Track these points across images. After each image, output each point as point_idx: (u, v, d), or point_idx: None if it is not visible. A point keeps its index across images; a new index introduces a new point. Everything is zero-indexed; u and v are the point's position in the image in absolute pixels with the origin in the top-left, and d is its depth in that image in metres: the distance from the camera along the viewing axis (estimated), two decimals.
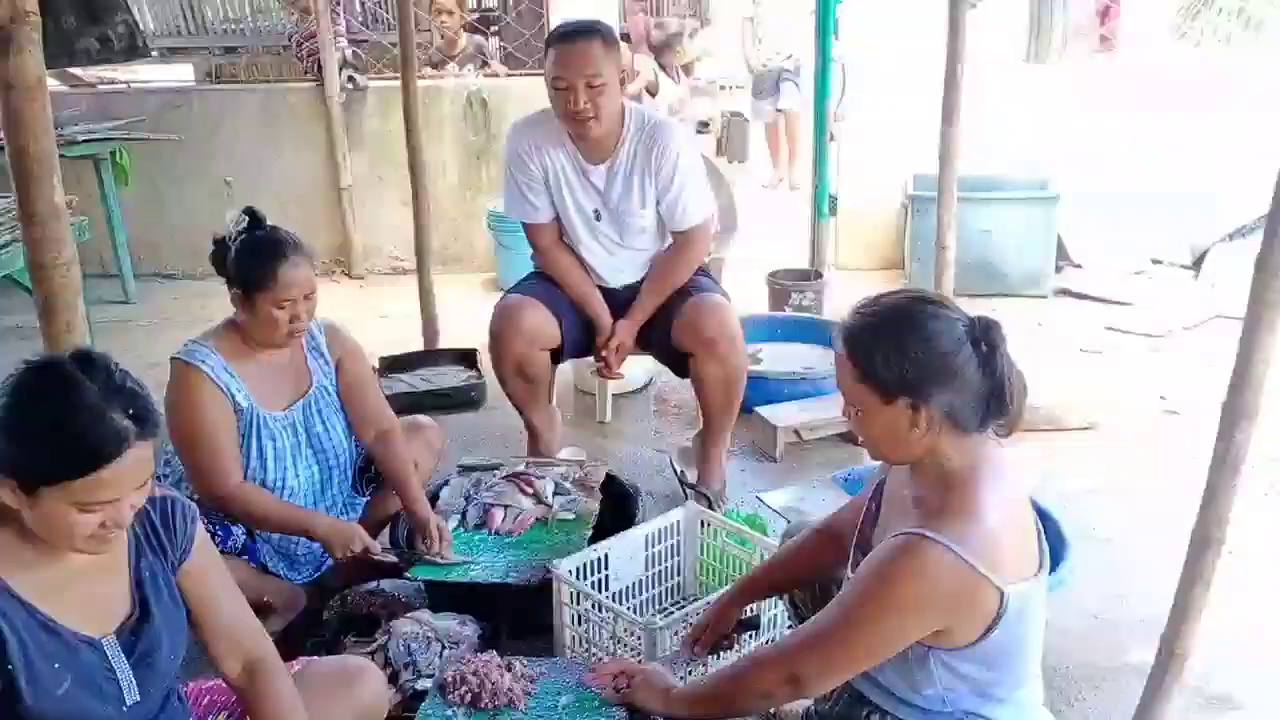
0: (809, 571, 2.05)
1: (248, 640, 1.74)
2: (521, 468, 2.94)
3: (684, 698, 1.82)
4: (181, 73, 7.36)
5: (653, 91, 6.64)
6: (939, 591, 1.53)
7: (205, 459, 2.40)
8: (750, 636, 2.27)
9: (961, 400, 1.58)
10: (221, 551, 2.07)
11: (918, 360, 1.56)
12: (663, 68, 6.70)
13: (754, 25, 7.34)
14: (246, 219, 2.50)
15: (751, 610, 2.23)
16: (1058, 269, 5.60)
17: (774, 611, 2.37)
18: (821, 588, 2.04)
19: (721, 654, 2.15)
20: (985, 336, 1.60)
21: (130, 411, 1.45)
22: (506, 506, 2.73)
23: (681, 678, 2.04)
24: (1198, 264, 5.64)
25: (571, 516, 2.74)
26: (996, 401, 1.60)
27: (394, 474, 2.64)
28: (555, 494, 2.79)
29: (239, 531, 2.49)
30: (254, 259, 2.43)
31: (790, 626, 2.30)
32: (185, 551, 1.68)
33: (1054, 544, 2.59)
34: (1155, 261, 5.78)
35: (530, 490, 2.79)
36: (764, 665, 1.69)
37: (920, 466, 1.67)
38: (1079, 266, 5.72)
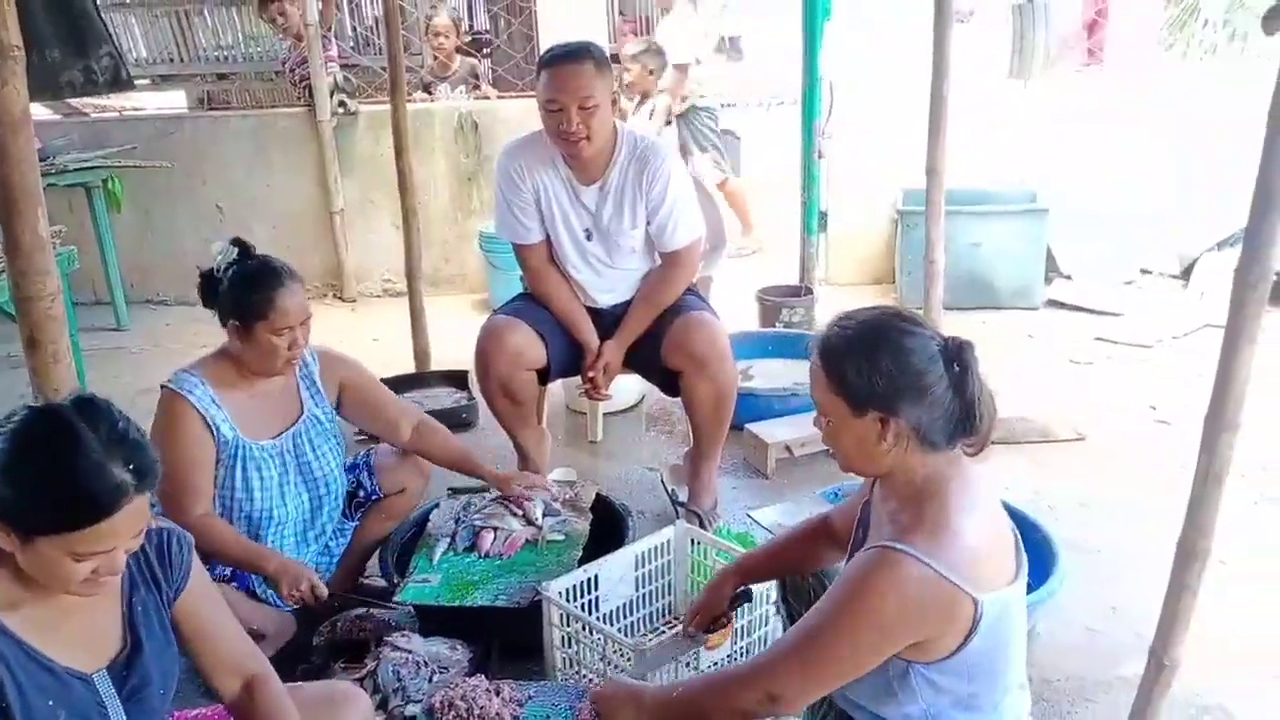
0: (808, 559, 2.07)
1: (244, 660, 1.75)
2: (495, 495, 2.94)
3: (660, 707, 1.81)
4: (174, 99, 7.39)
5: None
6: (914, 604, 1.54)
7: (171, 488, 2.36)
8: (745, 610, 2.29)
9: (931, 417, 1.60)
10: (212, 578, 2.07)
11: (889, 375, 1.59)
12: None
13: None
14: (236, 250, 2.50)
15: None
16: (1047, 280, 5.62)
17: (767, 590, 2.38)
18: (814, 585, 2.06)
19: (715, 629, 2.17)
20: (958, 357, 1.62)
21: (131, 465, 1.45)
22: (496, 529, 2.73)
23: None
24: (1187, 274, 5.67)
25: (561, 537, 2.74)
26: (966, 421, 1.62)
27: (448, 455, 2.79)
28: (545, 515, 2.79)
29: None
30: (250, 289, 2.43)
31: (778, 614, 2.31)
32: (181, 583, 1.68)
33: (1044, 555, 2.61)
34: (1144, 271, 5.81)
35: (519, 512, 2.78)
36: (742, 683, 1.68)
37: (890, 481, 1.69)
38: (1068, 278, 5.74)
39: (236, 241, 2.51)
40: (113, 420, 1.48)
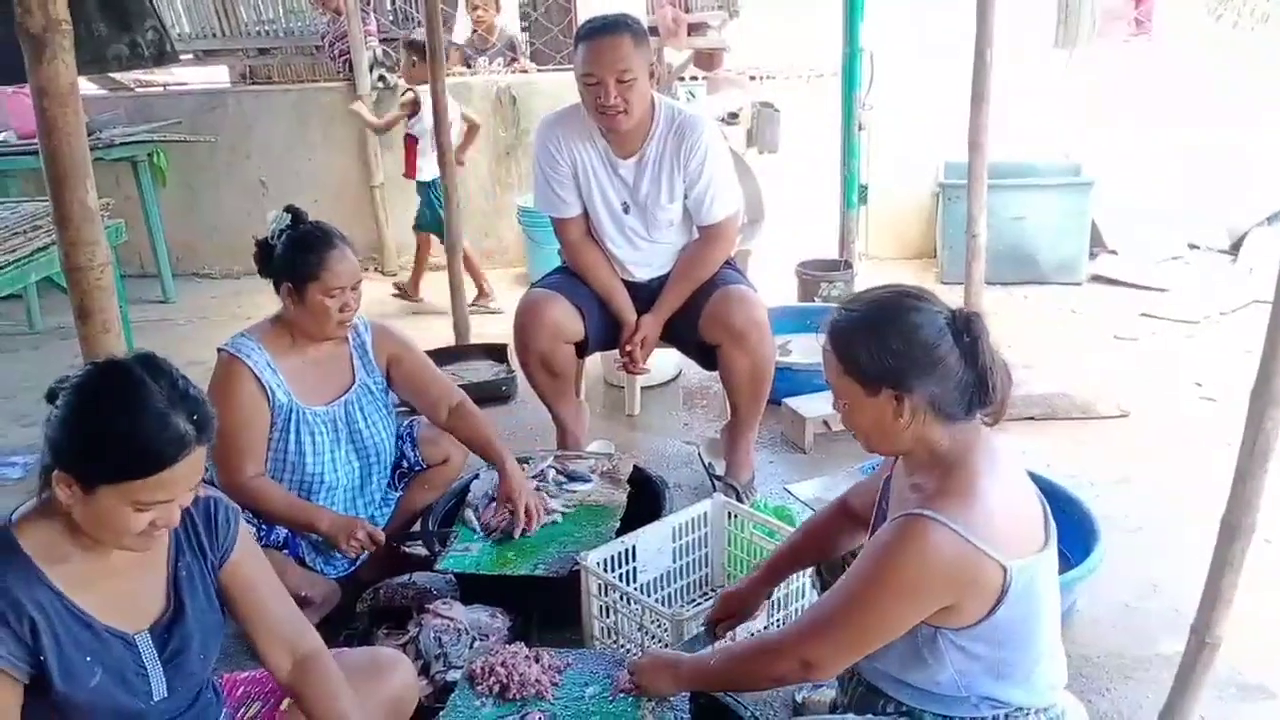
0: (832, 545, 2.07)
1: (295, 637, 1.76)
2: (550, 461, 2.97)
3: (696, 676, 1.85)
4: (216, 75, 7.45)
5: None
6: (942, 569, 1.55)
7: (224, 450, 2.44)
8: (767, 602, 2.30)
9: (944, 389, 1.61)
10: (263, 546, 2.12)
11: (899, 352, 1.60)
12: None
13: None
14: (289, 216, 2.56)
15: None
16: (1092, 255, 5.54)
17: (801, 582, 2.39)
18: (847, 557, 2.06)
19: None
20: (967, 328, 1.63)
21: (194, 417, 1.50)
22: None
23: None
24: (1235, 248, 5.56)
25: (565, 513, 2.76)
26: (980, 390, 1.63)
27: (476, 440, 2.74)
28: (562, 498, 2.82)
29: (280, 527, 2.54)
30: (303, 251, 2.50)
31: (814, 586, 2.32)
32: (226, 552, 1.71)
33: (1084, 532, 2.60)
34: (1192, 246, 5.70)
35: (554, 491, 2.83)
36: (777, 652, 1.71)
37: (912, 456, 1.70)
38: (1114, 253, 5.65)
39: (290, 209, 2.58)
40: (173, 375, 1.53)
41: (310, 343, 2.59)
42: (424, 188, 5.43)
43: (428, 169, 5.30)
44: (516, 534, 2.63)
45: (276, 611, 1.76)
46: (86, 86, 6.43)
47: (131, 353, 1.60)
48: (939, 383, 1.60)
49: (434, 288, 5.47)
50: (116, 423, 1.46)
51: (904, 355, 1.60)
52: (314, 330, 2.55)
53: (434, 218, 5.31)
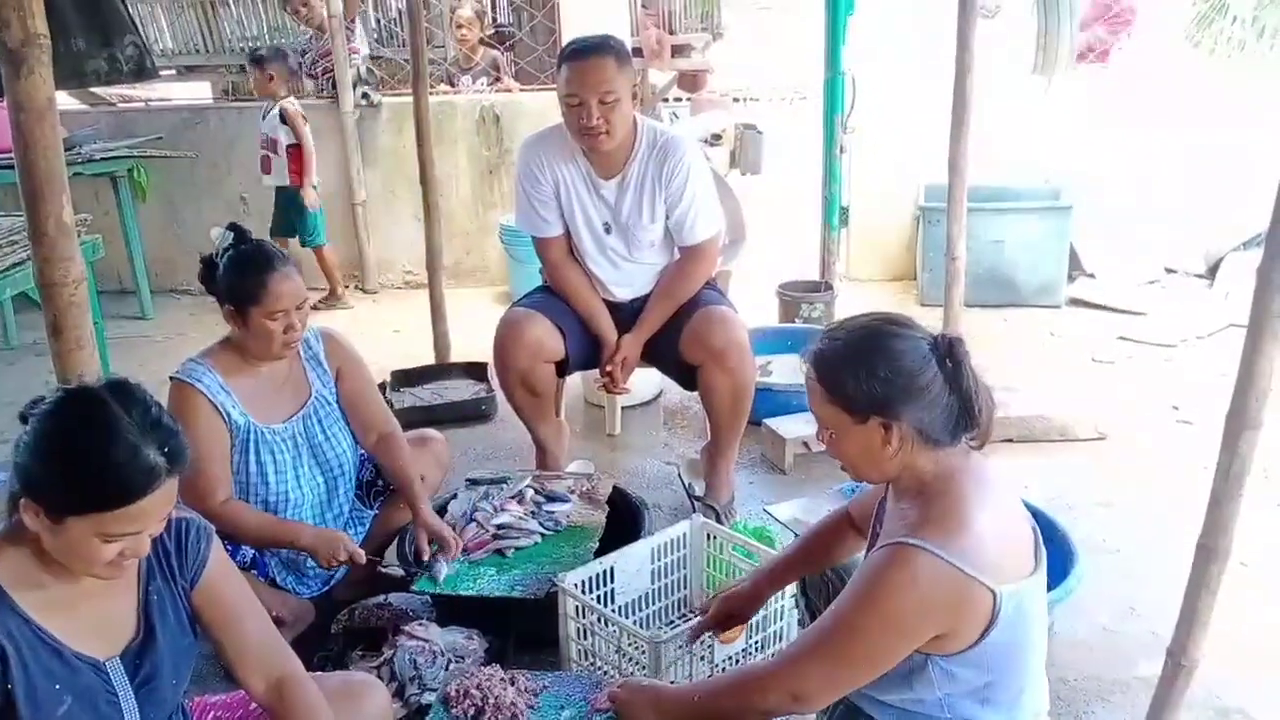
0: (835, 552, 2.07)
1: (272, 658, 1.74)
2: (528, 481, 2.95)
3: (679, 707, 1.81)
4: (199, 90, 7.44)
5: None
6: (931, 598, 1.54)
7: (192, 477, 2.37)
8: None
9: (931, 416, 1.62)
10: None
11: (885, 380, 1.61)
12: None
13: None
14: (231, 235, 2.52)
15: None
16: (1071, 278, 5.58)
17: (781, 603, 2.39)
18: (832, 579, 2.06)
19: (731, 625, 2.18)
20: (950, 353, 1.64)
21: (165, 449, 1.47)
22: (479, 522, 2.73)
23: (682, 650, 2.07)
24: (1212, 272, 5.61)
25: (543, 534, 2.74)
26: (965, 415, 1.64)
27: (396, 475, 2.67)
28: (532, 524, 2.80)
29: (248, 546, 2.51)
30: (243, 273, 2.45)
31: (800, 620, 2.31)
32: (198, 572, 1.68)
33: (1062, 555, 2.59)
34: (1169, 270, 5.75)
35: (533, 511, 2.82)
36: (764, 684, 1.68)
37: (899, 483, 1.70)
38: (1092, 276, 5.69)
39: (232, 226, 2.54)
40: (145, 404, 1.50)
41: (260, 362, 2.55)
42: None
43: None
44: (441, 574, 2.54)
45: (253, 633, 1.73)
46: (67, 101, 6.41)
47: (104, 379, 1.56)
48: (926, 409, 1.61)
49: (413, 307, 5.45)
50: (85, 454, 1.43)
51: (891, 383, 1.60)
52: (259, 352, 2.50)
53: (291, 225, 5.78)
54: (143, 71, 3.24)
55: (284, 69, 5.68)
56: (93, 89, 6.25)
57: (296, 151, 5.67)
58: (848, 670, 1.62)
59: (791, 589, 2.36)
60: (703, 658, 2.35)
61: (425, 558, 2.56)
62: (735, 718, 1.73)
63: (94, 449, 1.43)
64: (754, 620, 2.33)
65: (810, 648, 1.66)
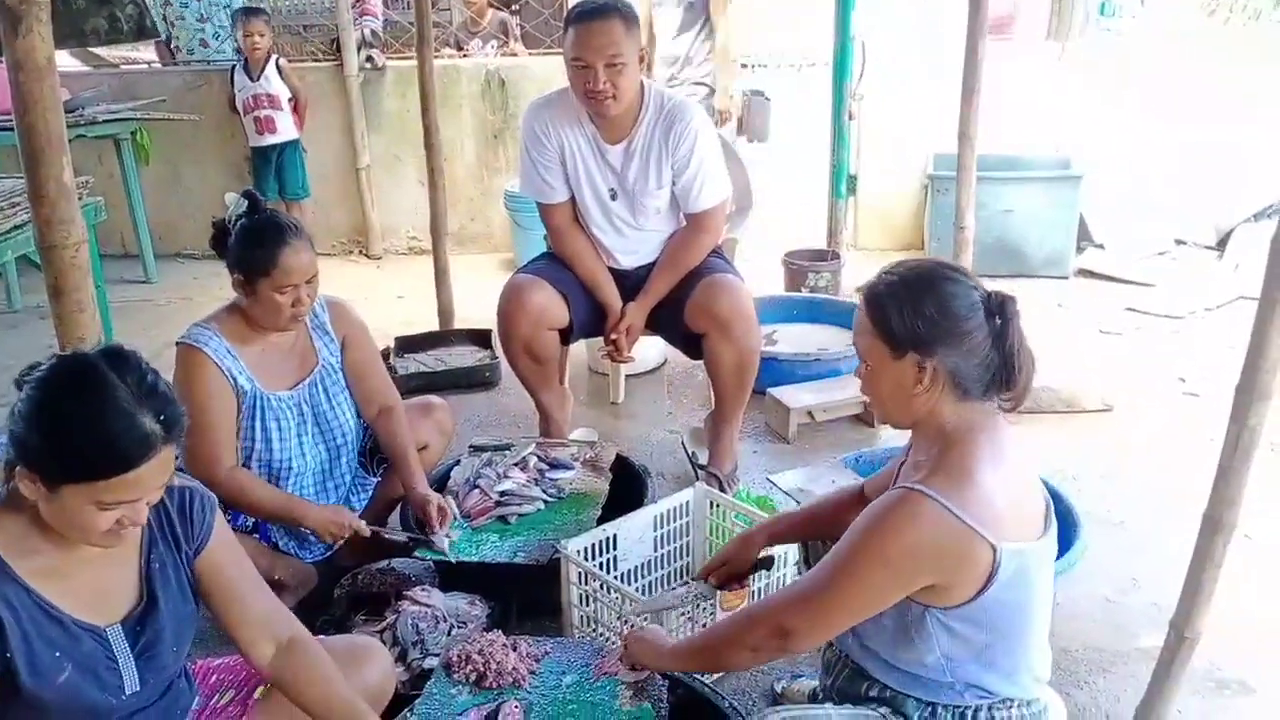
0: (838, 525, 2.05)
1: (275, 624, 1.73)
2: (532, 448, 2.95)
3: (677, 652, 1.86)
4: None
5: None
6: (927, 543, 1.54)
7: (197, 443, 2.37)
8: (763, 575, 2.29)
9: (967, 365, 1.62)
10: (232, 529, 2.08)
11: (929, 318, 1.61)
12: None
13: None
14: (246, 202, 2.49)
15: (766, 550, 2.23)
16: (1079, 249, 5.54)
17: (787, 552, 2.38)
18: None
19: (732, 588, 2.19)
20: (1000, 310, 1.64)
21: (161, 417, 1.45)
22: (481, 489, 2.74)
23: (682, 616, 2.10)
24: (1222, 244, 5.57)
25: (547, 501, 2.75)
26: (1004, 373, 1.64)
27: (393, 449, 2.66)
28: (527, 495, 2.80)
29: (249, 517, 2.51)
30: (255, 244, 2.41)
31: (798, 569, 2.31)
32: (202, 542, 1.67)
33: (1066, 526, 2.58)
34: (1179, 242, 5.71)
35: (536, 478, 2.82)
36: (754, 619, 1.71)
37: (920, 432, 1.71)
38: (1101, 247, 5.65)
39: (247, 194, 2.50)
40: (141, 371, 1.48)
41: (267, 331, 2.53)
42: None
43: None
44: (445, 546, 2.53)
45: (255, 601, 1.72)
46: (69, 63, 6.36)
47: (99, 346, 1.54)
48: (964, 356, 1.61)
49: (417, 273, 5.43)
50: (80, 423, 1.41)
51: (934, 322, 1.61)
52: (266, 323, 2.47)
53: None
54: (143, 31, 3.20)
55: (269, 25, 5.77)
56: (94, 49, 6.20)
57: (294, 105, 5.77)
58: (835, 607, 1.62)
59: (794, 557, 2.37)
60: (704, 625, 2.35)
61: (427, 528, 2.56)
62: (728, 654, 1.77)
63: (89, 417, 1.41)
64: (757, 589, 2.34)
65: (803, 586, 1.68)
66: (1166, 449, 3.49)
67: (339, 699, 1.71)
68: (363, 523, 2.54)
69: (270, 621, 1.73)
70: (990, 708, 1.68)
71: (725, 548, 2.19)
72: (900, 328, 1.63)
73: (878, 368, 1.68)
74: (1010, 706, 1.69)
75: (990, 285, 1.69)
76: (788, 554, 2.39)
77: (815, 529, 2.12)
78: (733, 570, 2.15)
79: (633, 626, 2.15)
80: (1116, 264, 5.46)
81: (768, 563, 2.20)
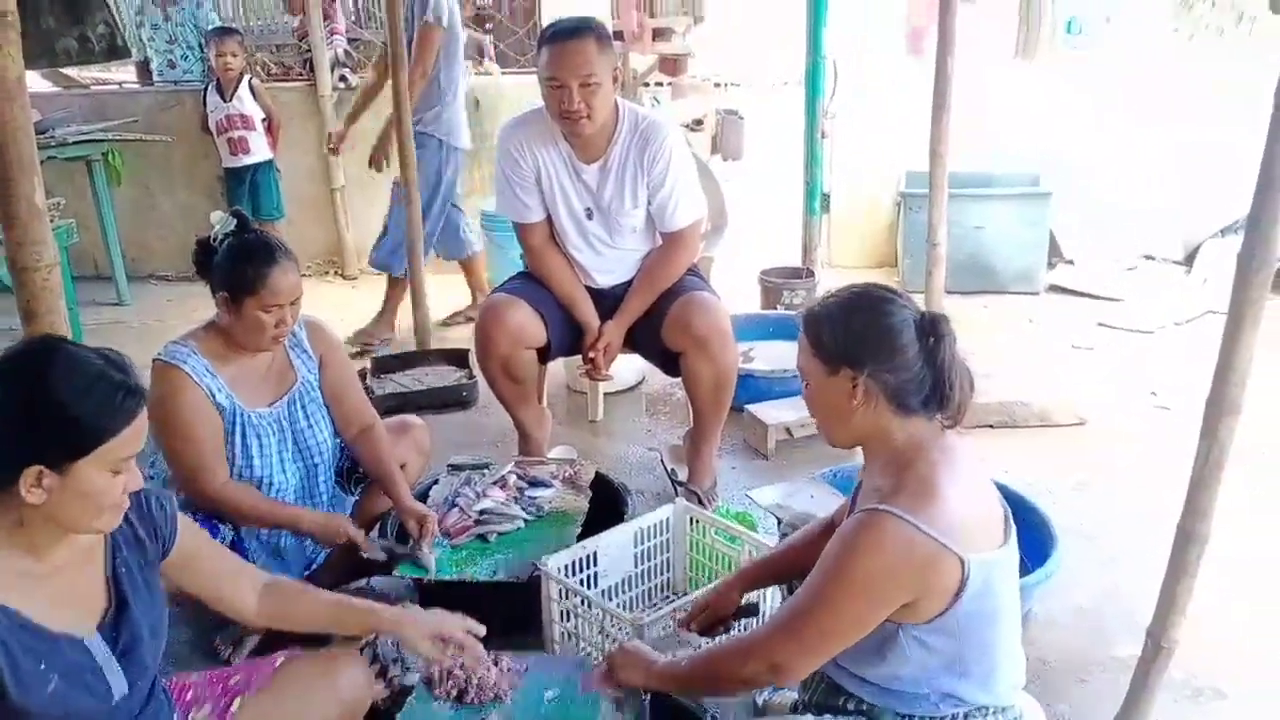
0: (811, 561, 2.07)
1: (250, 576, 1.88)
2: (511, 467, 2.95)
3: (664, 675, 1.86)
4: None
5: None
6: (900, 562, 1.56)
7: (191, 459, 2.39)
8: (746, 625, 2.28)
9: (900, 380, 1.66)
10: None
11: (859, 333, 1.68)
12: None
13: None
14: (235, 221, 2.48)
15: (752, 597, 2.25)
16: (1050, 265, 5.61)
17: (773, 603, 2.39)
18: None
19: (715, 638, 2.17)
20: (933, 329, 1.68)
21: (127, 373, 1.51)
22: (460, 508, 2.74)
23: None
24: (1190, 260, 5.65)
25: (527, 519, 2.75)
26: (937, 390, 1.67)
27: (376, 468, 2.66)
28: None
29: (226, 529, 2.49)
30: (244, 262, 2.41)
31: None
32: (170, 538, 1.71)
33: (1042, 539, 2.61)
34: (1148, 257, 5.79)
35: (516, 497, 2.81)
36: (745, 654, 1.72)
37: (872, 450, 1.74)
38: (1071, 263, 5.72)
39: (236, 213, 2.50)
40: (85, 346, 1.55)
41: (247, 350, 2.52)
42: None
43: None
44: (430, 564, 2.53)
45: (228, 567, 1.86)
46: (40, 84, 6.31)
47: (23, 341, 1.58)
48: (894, 372, 1.66)
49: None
50: (80, 389, 1.45)
51: (864, 337, 1.67)
52: (246, 342, 2.47)
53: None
54: (114, 51, 3.17)
55: (242, 45, 5.78)
56: (64, 70, 6.16)
57: (268, 125, 5.77)
58: (822, 638, 1.64)
59: (778, 599, 2.36)
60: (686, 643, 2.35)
61: (413, 540, 2.56)
62: (718, 686, 1.80)
63: (83, 381, 1.45)
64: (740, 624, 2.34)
65: (786, 618, 1.69)
66: (1139, 462, 3.53)
67: (324, 603, 1.92)
68: (360, 532, 2.55)
69: (245, 575, 1.87)
70: (966, 716, 1.70)
71: (703, 596, 2.18)
72: (832, 344, 1.69)
73: (816, 385, 1.74)
74: (986, 714, 1.71)
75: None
76: (767, 594, 2.38)
77: (791, 569, 2.11)
78: (714, 617, 2.15)
79: (616, 644, 2.14)
80: (1087, 279, 5.52)
81: (751, 610, 2.21)
